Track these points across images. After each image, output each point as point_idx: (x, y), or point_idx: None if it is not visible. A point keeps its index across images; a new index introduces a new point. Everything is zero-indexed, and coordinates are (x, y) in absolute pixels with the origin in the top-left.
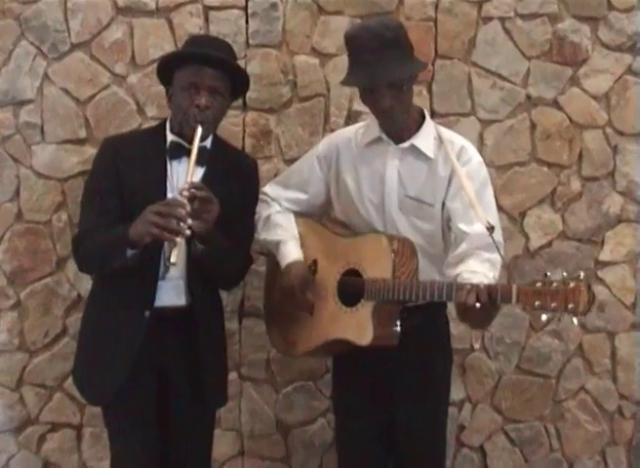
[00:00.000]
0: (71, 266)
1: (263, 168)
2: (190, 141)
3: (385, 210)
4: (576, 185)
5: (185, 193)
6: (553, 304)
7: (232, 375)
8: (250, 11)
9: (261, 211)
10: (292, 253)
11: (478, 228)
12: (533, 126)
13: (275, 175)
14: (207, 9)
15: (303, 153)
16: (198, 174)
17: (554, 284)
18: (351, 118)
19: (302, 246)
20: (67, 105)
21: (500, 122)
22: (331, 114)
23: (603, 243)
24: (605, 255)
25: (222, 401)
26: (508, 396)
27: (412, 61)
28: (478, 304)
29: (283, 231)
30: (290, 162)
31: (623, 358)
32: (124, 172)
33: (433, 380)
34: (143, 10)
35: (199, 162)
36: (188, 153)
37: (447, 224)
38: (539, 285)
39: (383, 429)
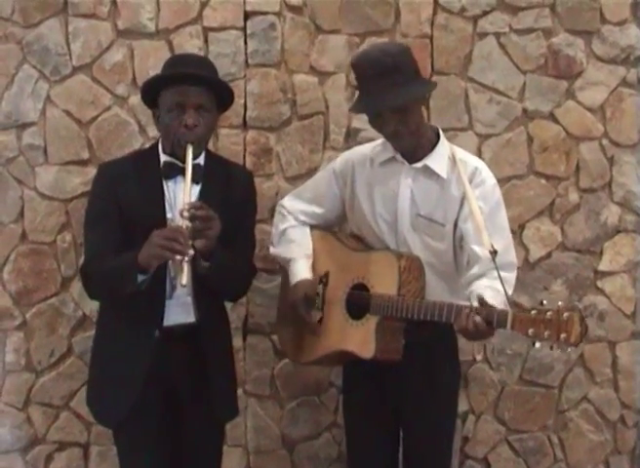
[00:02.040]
0: (76, 286)
1: (264, 186)
2: (183, 160)
3: (398, 227)
4: (574, 197)
5: (186, 214)
6: (546, 333)
7: (237, 392)
8: (248, 31)
9: (278, 223)
10: (301, 271)
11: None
12: (530, 139)
13: (277, 194)
14: (206, 30)
15: (304, 170)
16: (195, 191)
17: (548, 313)
18: (350, 135)
19: (316, 258)
20: (70, 127)
21: (498, 136)
22: (330, 131)
23: (602, 253)
24: (604, 266)
25: (233, 413)
26: (511, 407)
27: (416, 84)
28: (473, 328)
29: (296, 247)
30: (290, 179)
31: (625, 367)
32: (122, 195)
33: (440, 393)
34: (143, 32)
35: (194, 180)
36: (182, 172)
37: (459, 244)
38: (533, 313)
39: (393, 433)
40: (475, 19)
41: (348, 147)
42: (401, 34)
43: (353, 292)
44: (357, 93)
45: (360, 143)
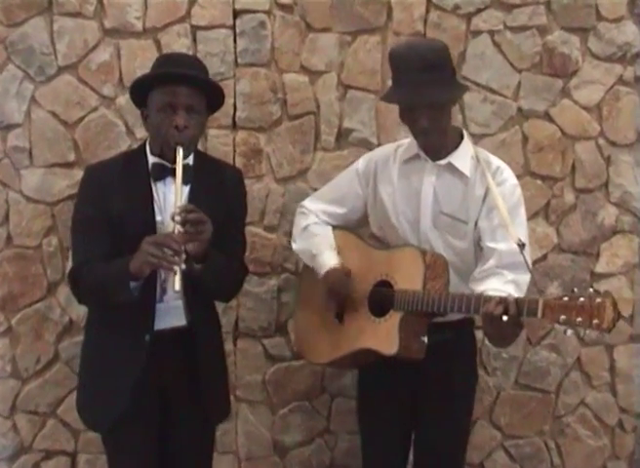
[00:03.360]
0: (62, 291)
1: (254, 187)
2: (172, 162)
3: (420, 226)
4: (569, 197)
5: (177, 218)
6: (578, 319)
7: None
8: (238, 30)
9: (299, 221)
10: (331, 259)
11: (506, 246)
12: (525, 139)
13: (267, 196)
14: (195, 29)
15: (295, 172)
16: (184, 192)
17: (580, 299)
18: (342, 135)
19: (340, 256)
20: (55, 128)
21: (492, 136)
22: (321, 132)
23: (598, 255)
24: (601, 267)
25: (224, 414)
26: (507, 412)
27: (453, 85)
28: (505, 317)
29: (321, 240)
30: (281, 181)
31: (622, 370)
32: (110, 198)
33: (456, 397)
34: (130, 31)
35: (183, 181)
36: (172, 173)
37: (478, 243)
38: (565, 299)
39: (407, 437)
40: (469, 17)
41: (340, 148)
42: (393, 32)
43: (376, 290)
44: (392, 82)
45: (352, 144)
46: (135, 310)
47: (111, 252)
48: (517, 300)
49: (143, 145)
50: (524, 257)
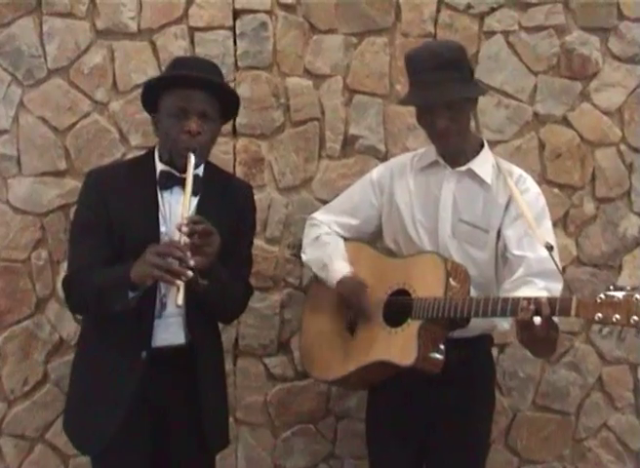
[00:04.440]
0: (52, 307)
1: (256, 197)
2: (182, 170)
3: (438, 235)
4: (589, 207)
5: (185, 229)
6: (615, 316)
7: (229, 419)
8: (238, 31)
9: (310, 232)
10: (343, 268)
11: (534, 254)
12: (541, 145)
13: (269, 206)
14: (192, 30)
15: (298, 181)
16: (192, 204)
17: (617, 296)
18: (348, 143)
19: (352, 267)
20: (45, 135)
21: (507, 142)
22: (326, 139)
23: (620, 268)
24: (623, 281)
25: (224, 443)
26: (524, 435)
27: (471, 85)
28: (538, 319)
29: (333, 249)
30: (284, 190)
31: None
32: (113, 205)
33: (472, 424)
34: (124, 32)
35: (193, 191)
36: (180, 183)
37: (502, 254)
38: (600, 297)
39: (419, 465)
40: (482, 17)
41: (345, 156)
42: (402, 34)
43: (392, 300)
44: (409, 86)
45: (358, 151)
46: (132, 325)
47: (110, 261)
48: (549, 299)
49: (152, 152)
50: (553, 260)
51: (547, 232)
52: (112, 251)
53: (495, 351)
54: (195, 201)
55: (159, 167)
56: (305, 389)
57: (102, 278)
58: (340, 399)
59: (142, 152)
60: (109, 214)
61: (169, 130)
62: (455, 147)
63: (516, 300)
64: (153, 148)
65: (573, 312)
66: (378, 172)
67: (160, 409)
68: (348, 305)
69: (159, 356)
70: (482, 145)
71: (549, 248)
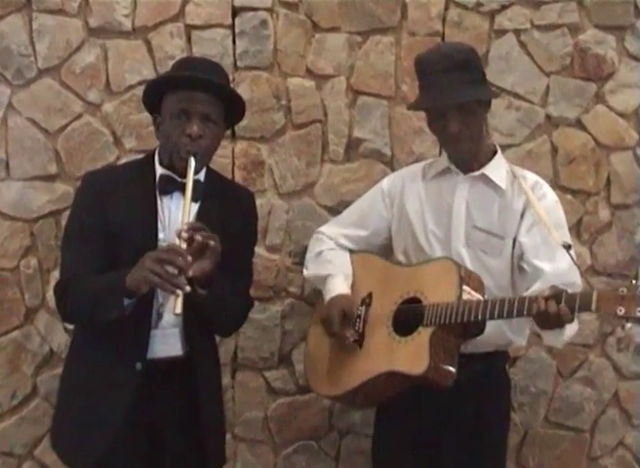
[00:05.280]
0: (42, 318)
1: (256, 203)
2: (182, 175)
3: (451, 244)
4: (604, 214)
5: (184, 235)
6: (639, 311)
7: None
8: (237, 29)
9: (313, 247)
10: (337, 287)
11: (552, 267)
12: (554, 149)
13: (269, 213)
14: (189, 28)
15: (300, 186)
16: (192, 210)
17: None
18: (352, 146)
19: (358, 280)
20: (35, 138)
21: (518, 146)
22: (329, 142)
23: (637, 277)
24: None
25: (221, 462)
26: (536, 453)
27: (483, 87)
28: (557, 313)
29: (333, 266)
30: (285, 196)
31: None
32: (110, 209)
33: (485, 446)
34: (118, 30)
35: (193, 197)
36: (180, 188)
37: (518, 262)
38: (622, 290)
39: None
40: (492, 15)
41: (349, 160)
42: (408, 32)
43: (402, 308)
44: (419, 90)
45: (363, 156)
46: (126, 335)
47: (105, 267)
48: (568, 295)
49: (151, 155)
50: (572, 258)
51: (566, 238)
52: (108, 257)
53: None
54: (196, 207)
55: (159, 171)
56: (308, 404)
57: (97, 284)
58: (344, 414)
59: (137, 156)
60: (106, 217)
61: (170, 132)
62: (467, 153)
63: (533, 299)
64: (153, 152)
65: (594, 306)
66: (388, 181)
67: (155, 424)
68: (328, 327)
69: (155, 368)
70: (495, 152)
71: (567, 247)
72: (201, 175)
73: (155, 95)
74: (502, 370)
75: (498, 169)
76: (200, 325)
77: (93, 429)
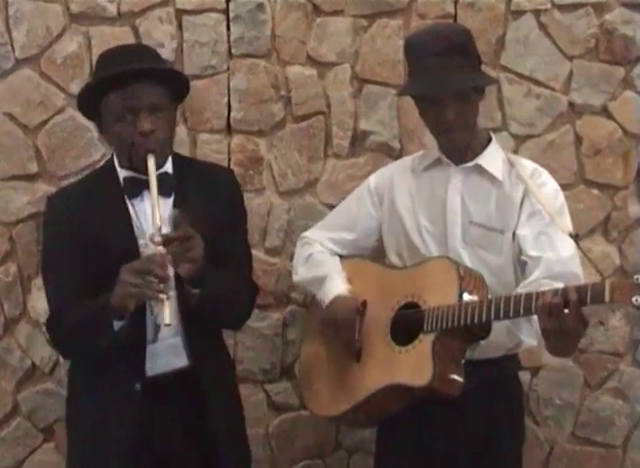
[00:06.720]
0: (23, 329)
1: (254, 202)
2: (146, 173)
3: (447, 242)
4: (634, 209)
5: (157, 239)
6: None
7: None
8: (232, 14)
9: (301, 252)
10: (338, 286)
11: (554, 254)
12: (578, 140)
13: (268, 212)
14: (180, 13)
15: (301, 183)
16: (167, 206)
17: None
18: (357, 139)
19: (350, 288)
20: (14, 134)
21: (538, 137)
22: (333, 135)
23: None
24: None
25: None
26: None
27: (479, 73)
28: (566, 309)
29: (327, 267)
30: (285, 194)
31: None
32: (82, 225)
33: (500, 456)
34: (102, 16)
35: (164, 192)
36: (148, 186)
37: (518, 257)
38: (637, 278)
39: None
40: None
41: (354, 154)
42: (418, 15)
43: (400, 315)
44: (409, 74)
45: (369, 150)
46: (121, 354)
47: (93, 287)
48: (578, 287)
49: (111, 159)
50: (579, 247)
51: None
52: (93, 275)
53: (527, 375)
54: (170, 202)
55: (121, 174)
56: (312, 419)
57: (84, 313)
58: (352, 430)
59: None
60: (80, 236)
61: (120, 134)
62: (460, 143)
63: (541, 294)
64: (111, 156)
65: (607, 297)
66: (375, 178)
67: (164, 450)
68: (339, 332)
69: (156, 385)
70: (489, 140)
71: (574, 236)
72: (168, 167)
73: (92, 99)
74: (514, 375)
75: (493, 158)
76: (204, 329)
77: (97, 461)
